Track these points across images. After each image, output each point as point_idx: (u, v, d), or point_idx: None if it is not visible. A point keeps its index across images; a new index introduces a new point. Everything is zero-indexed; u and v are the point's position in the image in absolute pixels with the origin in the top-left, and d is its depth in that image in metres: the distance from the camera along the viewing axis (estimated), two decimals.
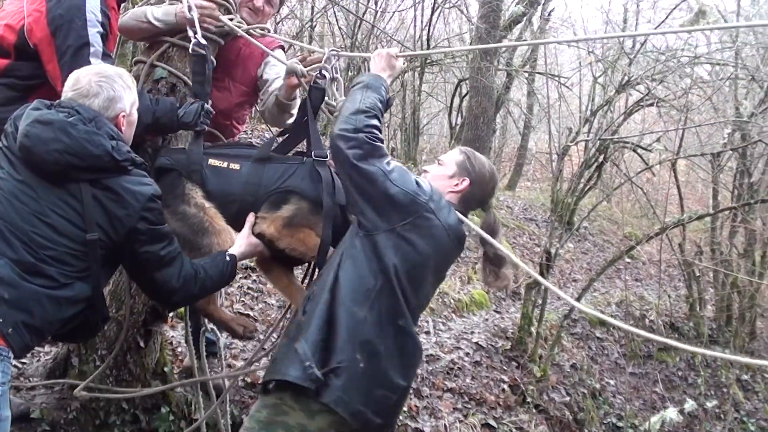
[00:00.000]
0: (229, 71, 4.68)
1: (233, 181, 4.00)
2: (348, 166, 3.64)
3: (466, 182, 4.02)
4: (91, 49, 3.87)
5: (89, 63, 3.79)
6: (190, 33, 4.14)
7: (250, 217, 3.96)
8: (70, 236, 3.20)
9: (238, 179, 4.00)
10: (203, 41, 4.13)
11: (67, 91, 3.39)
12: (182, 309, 4.99)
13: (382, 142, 3.75)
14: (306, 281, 4.45)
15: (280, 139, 4.40)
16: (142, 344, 4.85)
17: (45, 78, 3.97)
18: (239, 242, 3.91)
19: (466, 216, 3.97)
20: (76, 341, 4.36)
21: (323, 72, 4.20)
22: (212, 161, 4.03)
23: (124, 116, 3.45)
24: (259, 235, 3.97)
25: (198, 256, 3.77)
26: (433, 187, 3.82)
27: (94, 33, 3.88)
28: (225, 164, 4.03)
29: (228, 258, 3.78)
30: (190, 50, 4.14)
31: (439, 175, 4.04)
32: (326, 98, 4.22)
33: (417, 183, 3.71)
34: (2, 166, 3.25)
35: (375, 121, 3.71)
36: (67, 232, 3.20)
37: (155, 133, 4.18)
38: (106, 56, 3.97)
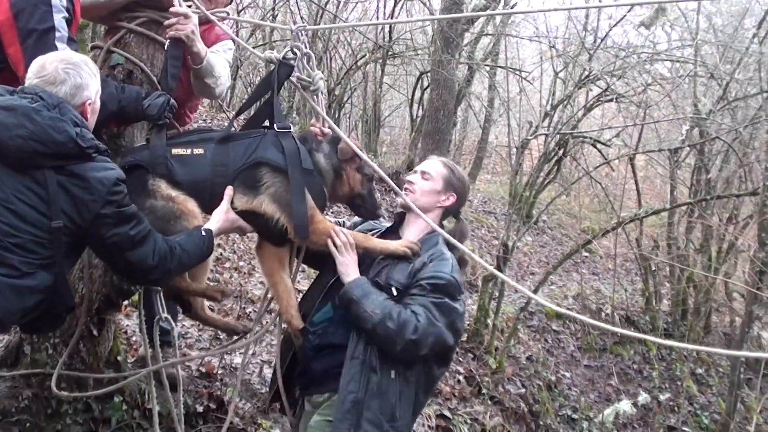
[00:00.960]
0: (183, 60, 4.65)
1: (200, 167, 3.96)
2: None
3: (453, 198, 4.32)
4: (57, 34, 3.82)
5: (55, 48, 3.74)
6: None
7: (228, 191, 3.93)
8: (36, 224, 3.16)
9: (204, 163, 3.97)
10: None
11: (32, 78, 3.34)
12: (136, 297, 4.93)
13: None
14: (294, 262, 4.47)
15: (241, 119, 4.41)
16: (95, 333, 4.80)
17: (5, 62, 3.91)
18: (216, 217, 3.89)
19: (441, 225, 4.24)
20: (41, 332, 4.30)
21: (294, 50, 4.18)
22: (176, 150, 3.98)
23: (89, 104, 3.43)
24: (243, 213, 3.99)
25: None
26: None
27: (59, 18, 3.83)
28: (189, 151, 3.99)
29: (204, 233, 3.78)
30: (166, 46, 4.14)
31: (429, 191, 4.28)
32: (299, 74, 4.21)
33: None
34: None
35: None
36: (33, 219, 3.16)
37: (119, 121, 4.15)
38: (71, 41, 3.92)
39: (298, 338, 4.21)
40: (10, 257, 3.11)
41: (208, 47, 4.62)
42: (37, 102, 3.18)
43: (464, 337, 9.50)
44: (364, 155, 4.04)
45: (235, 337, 4.94)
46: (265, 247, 4.30)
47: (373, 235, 4.41)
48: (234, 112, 4.81)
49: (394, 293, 4.02)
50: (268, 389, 4.95)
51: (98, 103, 3.55)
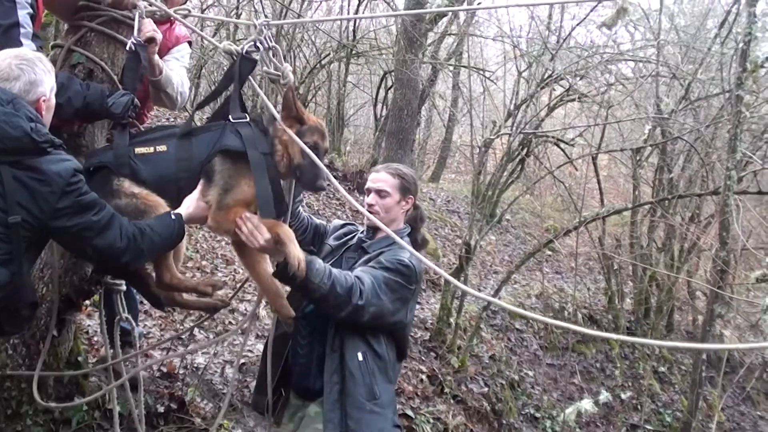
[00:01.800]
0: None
1: (164, 163, 3.91)
2: None
3: (411, 199, 4.49)
4: (22, 30, 3.77)
5: (20, 44, 3.70)
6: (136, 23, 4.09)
7: (201, 184, 3.87)
8: None
9: (168, 160, 3.92)
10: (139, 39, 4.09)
11: None
12: (97, 296, 4.86)
13: None
14: None
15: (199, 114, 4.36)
16: (55, 333, 4.72)
17: None
18: (187, 203, 3.82)
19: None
20: (5, 334, 4.19)
21: (257, 44, 4.14)
22: (139, 149, 3.92)
23: (44, 101, 3.38)
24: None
25: None
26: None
27: (24, 14, 3.78)
28: (152, 149, 3.93)
29: (173, 216, 3.72)
30: (128, 47, 4.08)
31: (391, 206, 4.42)
32: (266, 67, 4.17)
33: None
34: None
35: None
36: None
37: (83, 118, 4.07)
38: (35, 38, 3.87)
39: (290, 326, 4.18)
40: None
41: (169, 48, 4.59)
42: None
43: (426, 336, 9.52)
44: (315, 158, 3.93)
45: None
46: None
47: (349, 240, 4.57)
48: (194, 107, 4.75)
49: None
50: (255, 387, 4.88)
51: (53, 100, 3.49)
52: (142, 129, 4.47)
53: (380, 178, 4.48)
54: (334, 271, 3.98)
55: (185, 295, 4.34)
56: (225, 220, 3.82)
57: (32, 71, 3.32)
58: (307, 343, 4.36)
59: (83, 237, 3.38)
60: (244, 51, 4.07)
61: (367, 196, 4.50)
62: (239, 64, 4.08)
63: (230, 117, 4.01)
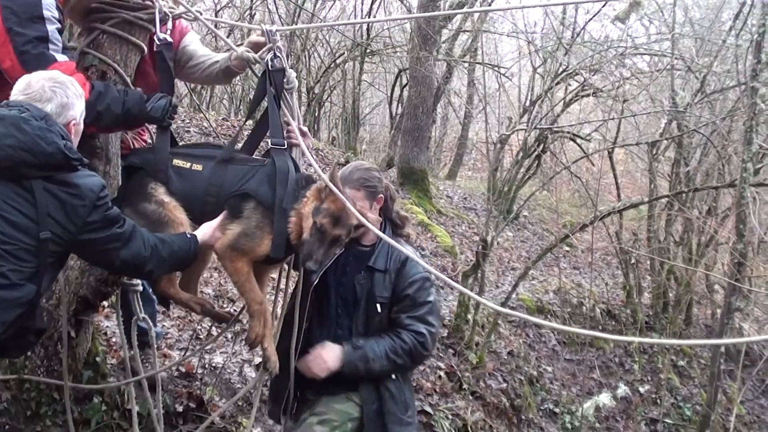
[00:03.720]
0: (146, 57, 4.64)
1: (195, 183, 3.98)
2: None
3: (381, 197, 4.49)
4: (52, 46, 3.77)
5: (53, 59, 3.71)
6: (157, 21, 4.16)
7: (223, 215, 3.92)
8: (26, 231, 3.16)
9: (200, 180, 3.98)
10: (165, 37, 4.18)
11: (18, 95, 3.32)
12: (114, 298, 4.91)
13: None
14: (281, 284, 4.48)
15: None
16: (73, 334, 4.76)
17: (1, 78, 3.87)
18: (204, 229, 3.90)
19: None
20: (9, 355, 4.20)
21: (277, 53, 4.17)
22: (176, 161, 4.00)
23: (74, 124, 3.42)
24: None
25: None
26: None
27: (53, 29, 3.79)
28: (188, 165, 4.01)
29: (190, 236, 3.80)
30: (155, 44, 4.17)
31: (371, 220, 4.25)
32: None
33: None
34: None
35: None
36: (23, 227, 3.14)
37: (124, 125, 4.11)
38: (66, 50, 3.90)
39: (273, 367, 4.21)
40: (2, 265, 3.11)
41: (176, 42, 4.62)
42: (25, 112, 3.17)
43: (444, 333, 9.51)
44: (340, 194, 3.83)
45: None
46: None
47: None
48: (239, 126, 4.81)
49: (379, 309, 4.34)
50: (269, 397, 4.91)
51: (81, 126, 3.53)
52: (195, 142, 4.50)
53: (347, 195, 4.27)
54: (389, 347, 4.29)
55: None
56: (230, 260, 3.91)
57: (65, 94, 3.37)
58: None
59: (111, 249, 3.45)
60: (269, 64, 4.11)
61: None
62: (270, 78, 4.13)
63: (269, 141, 4.07)
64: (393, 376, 4.33)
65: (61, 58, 3.77)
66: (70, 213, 3.23)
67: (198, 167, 4.00)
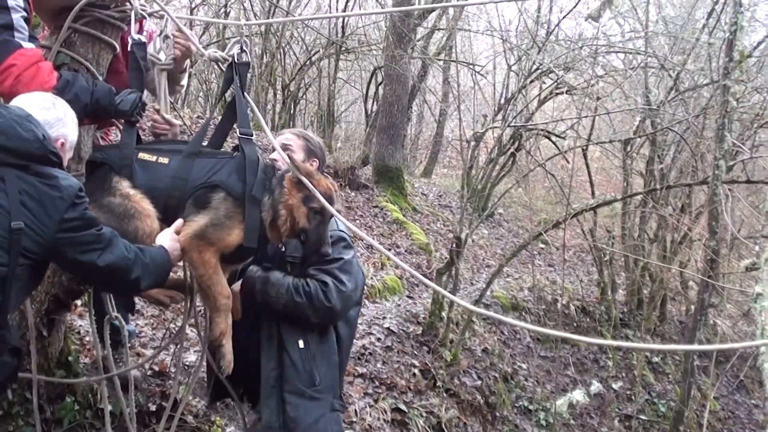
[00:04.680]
0: (119, 56, 4.61)
1: (161, 176, 3.90)
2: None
3: (316, 163, 4.49)
4: (18, 34, 3.72)
5: (18, 46, 3.66)
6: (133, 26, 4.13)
7: (179, 221, 3.82)
8: None
9: (165, 173, 3.90)
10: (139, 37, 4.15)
11: (16, 103, 3.27)
12: (86, 296, 4.86)
13: None
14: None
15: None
16: (45, 333, 4.73)
17: None
18: (163, 237, 3.74)
19: None
20: None
21: (243, 47, 4.17)
22: (142, 155, 3.93)
23: (63, 143, 3.35)
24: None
25: (128, 241, 3.62)
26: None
27: (18, 17, 3.73)
28: (154, 158, 3.93)
29: (158, 246, 3.66)
30: (130, 44, 4.13)
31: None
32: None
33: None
34: None
35: None
36: None
37: (92, 117, 4.06)
38: (32, 38, 3.86)
39: (227, 365, 4.14)
40: None
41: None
42: (8, 107, 3.10)
43: (419, 331, 9.54)
44: (310, 185, 3.93)
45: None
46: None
47: None
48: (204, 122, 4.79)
49: (289, 269, 4.27)
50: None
51: (70, 154, 3.49)
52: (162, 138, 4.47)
53: (285, 137, 4.55)
54: (292, 281, 4.15)
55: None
56: (198, 250, 3.82)
57: (64, 112, 3.35)
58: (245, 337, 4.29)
59: (92, 251, 3.23)
60: (236, 56, 4.12)
61: (270, 153, 4.44)
62: (236, 71, 4.13)
63: (237, 130, 4.05)
64: (300, 345, 4.20)
65: (27, 45, 3.72)
66: (47, 205, 3.04)
67: (164, 160, 3.93)
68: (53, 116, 3.30)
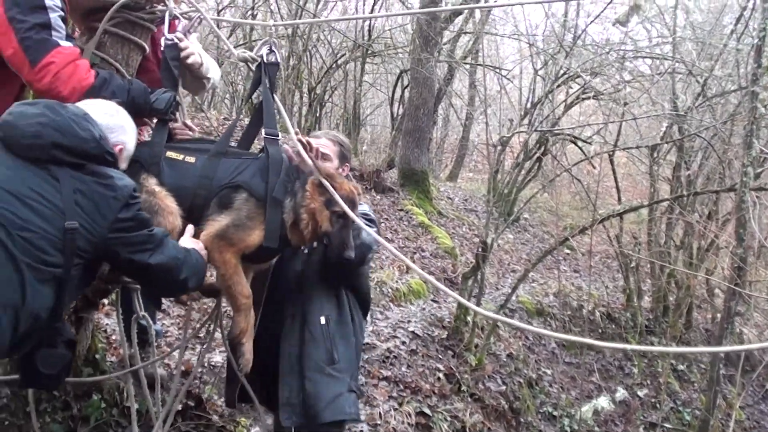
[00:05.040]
0: (150, 55, 4.64)
1: (187, 174, 3.92)
2: None
3: (347, 168, 4.61)
4: (56, 33, 3.75)
5: (57, 45, 3.69)
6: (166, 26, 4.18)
7: (190, 228, 3.84)
8: (50, 220, 2.92)
9: (192, 173, 3.93)
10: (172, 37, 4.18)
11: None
12: (114, 295, 4.89)
13: None
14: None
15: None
16: (73, 331, 4.76)
17: (4, 67, 3.85)
18: (186, 239, 3.76)
19: None
20: (36, 382, 3.67)
21: (272, 48, 4.18)
22: (170, 153, 3.96)
23: (121, 150, 3.40)
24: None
25: None
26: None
27: (55, 17, 3.76)
28: (182, 157, 3.96)
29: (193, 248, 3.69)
30: (162, 45, 4.17)
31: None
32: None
33: None
34: None
35: None
36: (46, 215, 2.91)
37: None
38: (69, 38, 3.89)
39: (247, 365, 4.14)
40: (21, 258, 2.82)
41: None
42: (65, 107, 3.11)
43: (444, 335, 9.53)
44: (330, 188, 3.89)
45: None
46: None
47: None
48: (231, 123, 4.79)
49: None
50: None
51: (126, 162, 3.56)
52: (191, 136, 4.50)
53: (322, 143, 4.48)
54: None
55: None
56: (219, 250, 3.83)
57: (126, 120, 3.45)
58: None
59: (144, 252, 3.26)
60: (264, 57, 4.13)
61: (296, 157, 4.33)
62: (265, 71, 4.14)
63: (263, 130, 4.07)
64: (322, 321, 4.28)
65: (64, 44, 3.75)
66: (101, 204, 3.05)
67: (191, 159, 3.96)
68: (115, 122, 3.37)
